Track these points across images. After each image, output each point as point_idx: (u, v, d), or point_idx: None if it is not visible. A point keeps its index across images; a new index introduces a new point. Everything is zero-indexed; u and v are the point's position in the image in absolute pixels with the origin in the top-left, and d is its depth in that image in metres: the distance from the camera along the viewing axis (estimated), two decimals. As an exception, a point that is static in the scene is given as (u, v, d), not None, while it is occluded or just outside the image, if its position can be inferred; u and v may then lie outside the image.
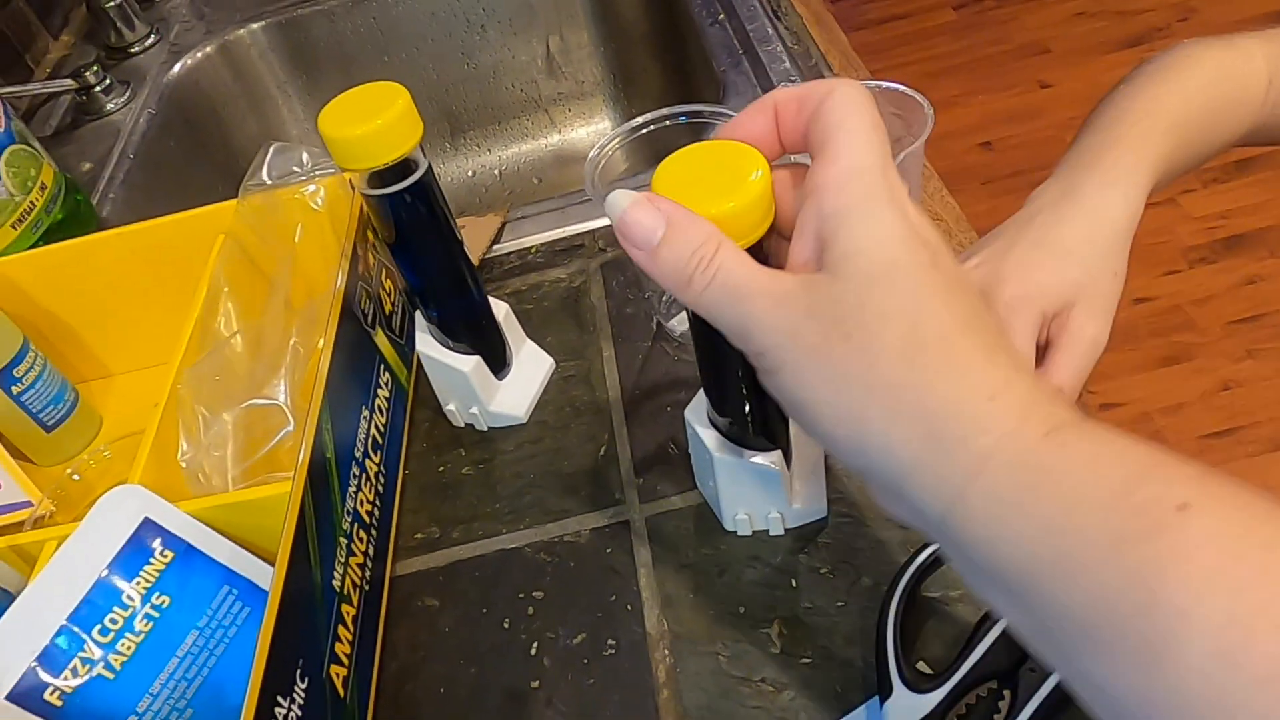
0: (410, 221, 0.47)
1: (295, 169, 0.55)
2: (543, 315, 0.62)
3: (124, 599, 0.40)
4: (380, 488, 0.51)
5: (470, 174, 1.12)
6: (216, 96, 1.00)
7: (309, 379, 0.48)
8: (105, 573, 0.40)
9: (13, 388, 0.57)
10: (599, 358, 0.58)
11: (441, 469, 0.55)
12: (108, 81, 0.92)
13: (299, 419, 0.47)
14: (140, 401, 0.65)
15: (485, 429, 0.56)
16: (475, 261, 0.65)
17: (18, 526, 0.52)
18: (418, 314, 0.53)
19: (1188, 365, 1.53)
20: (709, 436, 0.44)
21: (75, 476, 0.55)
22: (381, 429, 0.52)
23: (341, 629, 0.43)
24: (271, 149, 0.55)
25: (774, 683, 0.42)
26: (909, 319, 0.26)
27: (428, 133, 0.44)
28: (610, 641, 0.45)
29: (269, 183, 0.55)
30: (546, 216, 0.69)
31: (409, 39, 1.03)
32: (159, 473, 0.45)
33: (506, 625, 0.47)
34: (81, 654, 0.39)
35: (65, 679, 0.39)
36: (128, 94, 0.93)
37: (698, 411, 0.45)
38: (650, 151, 0.54)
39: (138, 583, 0.41)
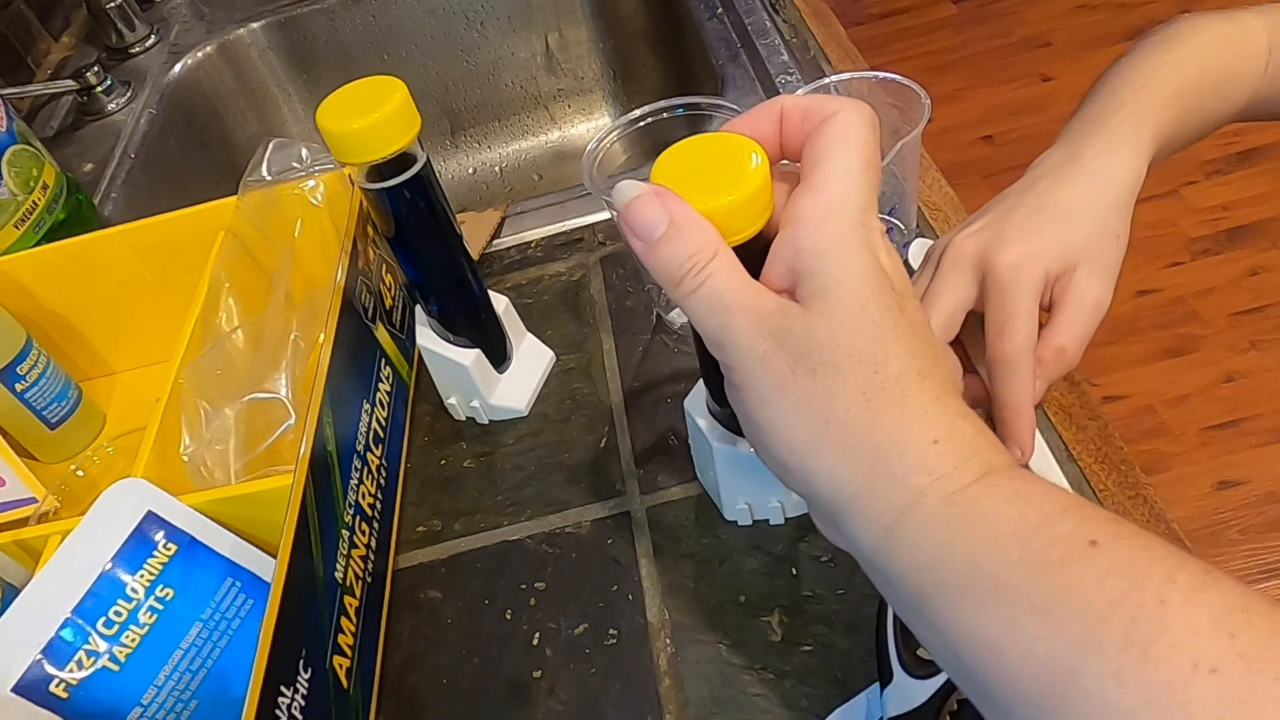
0: (409, 215, 0.47)
1: (295, 165, 0.55)
2: (543, 309, 0.62)
3: (128, 592, 0.41)
4: (382, 481, 0.51)
5: (470, 171, 1.12)
6: (217, 96, 1.00)
7: (310, 373, 0.48)
8: (109, 566, 0.41)
9: (16, 385, 0.57)
10: (599, 350, 0.59)
11: (443, 462, 0.55)
12: (109, 82, 0.92)
13: (300, 413, 0.48)
14: (143, 398, 0.65)
15: (486, 422, 0.56)
16: (475, 256, 0.65)
17: (22, 523, 0.53)
18: (418, 308, 0.53)
19: (1191, 357, 1.52)
20: (709, 427, 0.44)
21: (79, 473, 0.55)
22: (383, 422, 0.52)
23: (344, 620, 0.43)
24: (271, 145, 0.55)
25: (775, 670, 0.42)
26: (873, 362, 0.28)
27: (428, 130, 0.45)
28: (612, 631, 0.45)
29: (269, 179, 0.55)
30: (546, 211, 0.69)
31: (408, 37, 1.03)
32: (162, 467, 0.46)
33: (509, 616, 0.47)
34: (86, 646, 0.39)
35: (70, 671, 0.39)
36: (128, 94, 0.93)
37: (697, 402, 0.45)
38: (648, 144, 0.54)
39: (141, 576, 0.41)
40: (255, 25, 1.01)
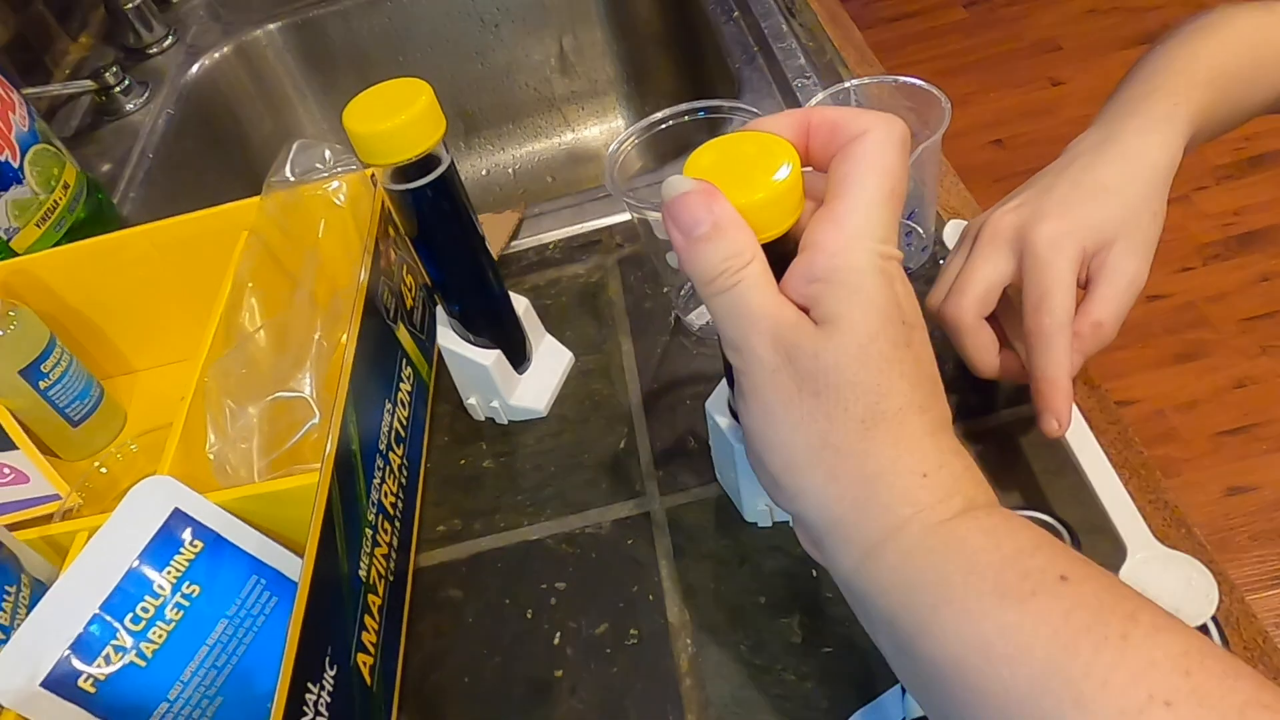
0: (433, 216, 0.47)
1: (318, 165, 0.55)
2: (561, 310, 0.63)
3: (155, 588, 0.41)
4: (403, 480, 0.51)
5: (484, 172, 1.12)
6: (234, 97, 1.01)
7: (333, 373, 0.48)
8: (136, 562, 0.41)
9: (40, 383, 0.57)
10: (618, 352, 0.59)
11: (463, 462, 0.55)
12: (127, 82, 0.93)
13: (324, 412, 0.48)
14: (163, 397, 0.65)
15: (506, 422, 0.57)
16: (494, 257, 0.66)
17: (46, 519, 0.53)
18: (439, 308, 0.53)
19: (1202, 362, 1.52)
20: (730, 427, 0.44)
21: (102, 470, 0.56)
22: (404, 422, 0.53)
23: (368, 619, 0.43)
24: (295, 146, 0.55)
25: (796, 671, 0.42)
26: (875, 393, 0.28)
27: (443, 132, 0.45)
28: (633, 631, 0.46)
29: (292, 179, 0.55)
30: (564, 213, 0.70)
31: (424, 38, 1.04)
32: (187, 464, 0.46)
33: (529, 616, 0.47)
34: (114, 642, 0.40)
35: (98, 666, 0.39)
36: (146, 95, 0.94)
37: (719, 402, 0.45)
38: (669, 147, 0.55)
39: (168, 572, 0.41)
40: (272, 27, 1.02)
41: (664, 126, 0.53)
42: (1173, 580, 0.39)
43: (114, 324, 0.65)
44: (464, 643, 0.47)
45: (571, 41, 1.06)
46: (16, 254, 0.66)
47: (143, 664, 0.40)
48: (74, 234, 0.71)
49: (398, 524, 0.49)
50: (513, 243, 0.68)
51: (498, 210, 0.70)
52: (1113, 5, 2.20)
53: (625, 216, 0.67)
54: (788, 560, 0.46)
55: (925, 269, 0.58)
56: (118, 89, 0.92)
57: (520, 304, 0.55)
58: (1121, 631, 0.25)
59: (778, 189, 0.30)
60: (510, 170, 1.12)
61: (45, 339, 0.58)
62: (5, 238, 0.67)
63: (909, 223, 0.57)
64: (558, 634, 0.46)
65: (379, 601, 0.45)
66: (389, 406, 0.51)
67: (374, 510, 0.46)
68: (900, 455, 0.29)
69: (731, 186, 0.30)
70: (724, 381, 0.44)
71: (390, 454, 0.50)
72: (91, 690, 0.39)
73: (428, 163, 0.45)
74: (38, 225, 0.68)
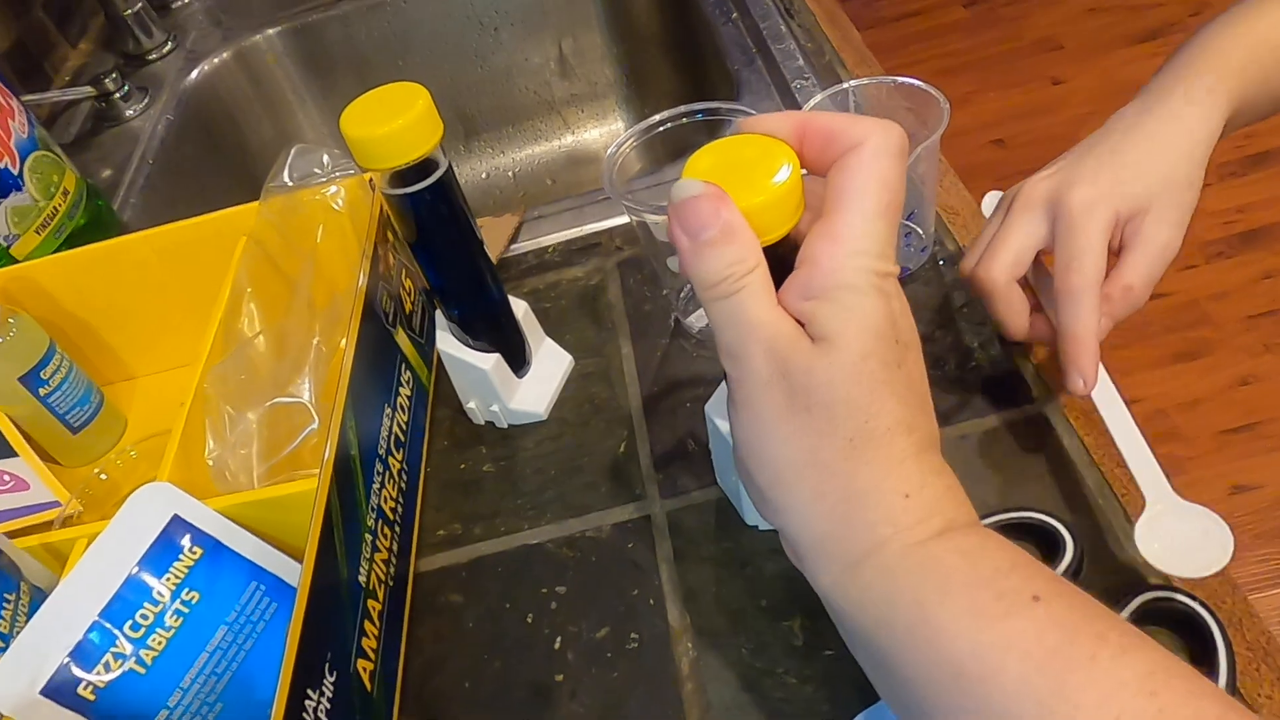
0: (431, 220, 0.47)
1: (316, 170, 0.56)
2: (561, 313, 0.62)
3: (154, 595, 0.41)
4: (403, 485, 0.51)
5: (484, 175, 1.12)
6: (233, 102, 1.01)
7: (332, 378, 0.48)
8: (136, 569, 0.41)
9: (40, 390, 0.57)
10: (618, 355, 0.59)
11: (463, 466, 0.55)
12: (126, 88, 0.93)
13: (323, 417, 0.48)
14: (164, 403, 0.65)
15: (505, 426, 0.57)
16: (493, 260, 0.66)
17: (46, 526, 0.53)
18: (438, 313, 0.53)
19: (1205, 360, 1.52)
20: (730, 431, 0.44)
21: (102, 476, 0.56)
22: (403, 427, 0.53)
23: (368, 624, 0.43)
24: (293, 151, 0.55)
25: (798, 675, 0.42)
26: (865, 412, 0.29)
27: (443, 135, 0.45)
28: (633, 635, 0.45)
29: (290, 184, 0.55)
30: (563, 216, 0.69)
31: (423, 43, 1.04)
32: (186, 470, 0.46)
33: (530, 620, 0.47)
34: (114, 649, 0.40)
35: (98, 674, 0.39)
36: (146, 100, 0.94)
37: (718, 406, 0.45)
38: (667, 149, 0.55)
39: (168, 579, 0.41)
40: (271, 32, 1.02)
41: (662, 129, 0.53)
42: (1189, 530, 0.39)
43: (113, 330, 0.65)
44: (464, 647, 0.47)
45: (571, 44, 1.06)
46: (16, 260, 0.66)
47: (142, 671, 0.40)
48: (74, 240, 0.71)
49: (397, 529, 0.49)
50: (512, 246, 0.68)
51: (497, 213, 0.70)
52: (1113, 4, 2.19)
53: (624, 219, 0.67)
54: (788, 563, 0.45)
55: (925, 270, 0.58)
56: (117, 95, 0.92)
57: (520, 307, 0.55)
58: (1090, 652, 0.25)
59: (778, 192, 0.30)
60: (510, 173, 1.12)
61: (45, 345, 0.58)
62: (5, 244, 0.67)
63: (908, 223, 0.57)
64: (558, 638, 0.46)
65: (379, 606, 0.45)
66: (388, 411, 0.51)
67: (373, 515, 0.46)
68: (885, 476, 0.29)
69: (731, 189, 0.30)
70: (723, 385, 0.44)
71: (390, 459, 0.50)
72: (91, 698, 0.39)
73: (425, 167, 0.45)
74: (37, 232, 0.68)
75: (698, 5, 0.89)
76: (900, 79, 0.55)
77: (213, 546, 0.43)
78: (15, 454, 0.54)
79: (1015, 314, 0.46)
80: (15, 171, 0.67)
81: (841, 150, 0.30)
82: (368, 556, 0.45)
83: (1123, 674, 0.25)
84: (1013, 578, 0.27)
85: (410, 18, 1.02)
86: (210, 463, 0.47)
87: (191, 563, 0.42)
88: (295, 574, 0.44)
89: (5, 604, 0.42)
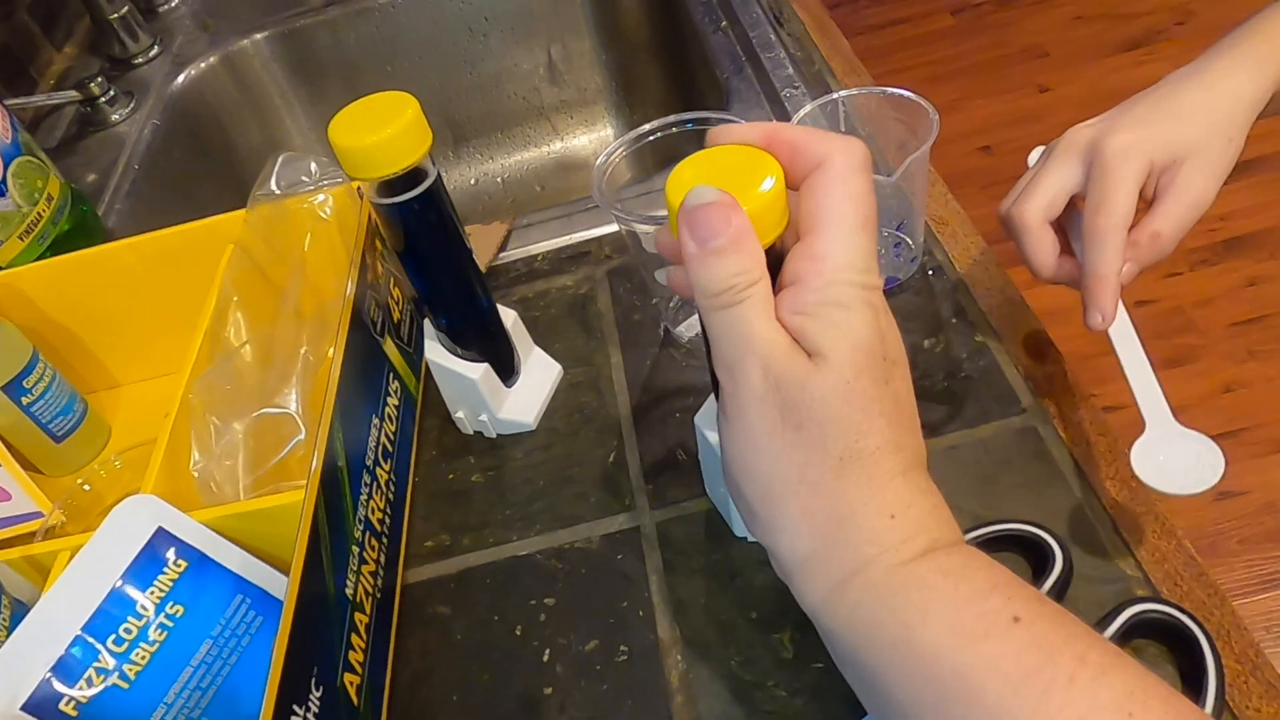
0: (420, 229, 0.47)
1: (304, 178, 0.55)
2: (550, 322, 0.62)
3: (138, 609, 0.40)
4: (391, 495, 0.51)
5: (473, 182, 1.12)
6: (220, 107, 1.00)
7: (319, 388, 0.48)
8: (119, 582, 0.41)
9: (22, 399, 0.57)
10: (607, 364, 0.59)
11: (451, 476, 0.55)
12: (112, 93, 0.92)
13: (310, 427, 0.47)
14: (148, 412, 0.65)
15: (494, 436, 0.56)
16: (482, 269, 0.65)
17: (28, 537, 0.52)
18: (426, 322, 0.53)
19: (1190, 368, 1.53)
20: (719, 442, 0.44)
21: (85, 487, 0.55)
22: (391, 437, 0.52)
23: (355, 637, 0.43)
24: (280, 159, 0.55)
25: (788, 688, 0.42)
26: (855, 431, 0.29)
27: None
28: (623, 648, 0.45)
29: (277, 192, 0.55)
30: (552, 224, 0.69)
31: (412, 48, 1.03)
32: (171, 482, 0.46)
33: (518, 632, 0.47)
34: (96, 664, 0.39)
35: (80, 689, 0.39)
36: (132, 105, 0.93)
37: (708, 417, 0.45)
38: (657, 158, 0.55)
39: (151, 592, 0.41)
40: (259, 36, 1.01)
41: (652, 138, 0.53)
42: (1183, 454, 0.42)
43: (98, 338, 0.64)
44: (452, 660, 0.47)
45: (560, 51, 1.06)
46: (-1, 267, 0.65)
47: (126, 686, 0.39)
48: (58, 247, 0.71)
49: (385, 540, 0.49)
50: (501, 254, 0.68)
51: (486, 220, 0.70)
52: (1100, 12, 2.21)
53: (614, 228, 0.67)
54: (778, 576, 0.46)
55: (915, 280, 0.58)
56: (103, 99, 0.92)
57: (508, 316, 0.55)
58: (1069, 674, 0.26)
59: (764, 200, 0.30)
60: (499, 179, 1.12)
61: (28, 354, 0.57)
62: (-12, 251, 0.66)
63: (898, 234, 0.57)
64: (547, 650, 0.46)
65: (366, 619, 0.44)
66: (376, 421, 0.50)
67: (361, 527, 0.46)
68: (871, 496, 0.29)
69: None
70: (713, 396, 0.44)
71: (377, 469, 0.49)
72: (73, 713, 0.39)
73: (414, 176, 0.45)
74: (20, 238, 0.68)
75: (687, 13, 0.89)
76: (890, 90, 0.55)
77: (198, 559, 0.42)
78: (-3, 464, 0.54)
79: (1045, 254, 0.46)
80: (-2, 177, 0.66)
81: (807, 164, 0.30)
82: (355, 568, 0.44)
83: (1101, 696, 0.25)
84: (994, 598, 0.28)
85: (399, 23, 1.02)
86: (195, 474, 0.46)
87: (176, 576, 0.42)
88: (281, 587, 0.44)
89: (-14, 618, 0.42)
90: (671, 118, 0.53)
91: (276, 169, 0.55)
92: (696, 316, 0.38)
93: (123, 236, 0.60)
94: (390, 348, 0.55)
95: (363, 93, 0.44)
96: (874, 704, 0.30)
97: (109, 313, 0.62)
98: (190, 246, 0.58)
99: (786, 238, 0.31)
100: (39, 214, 0.69)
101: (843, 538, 0.29)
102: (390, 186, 0.45)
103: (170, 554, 0.42)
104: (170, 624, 0.41)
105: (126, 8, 0.99)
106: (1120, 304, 0.44)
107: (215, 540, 0.43)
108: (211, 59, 0.99)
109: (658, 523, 0.50)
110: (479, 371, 0.53)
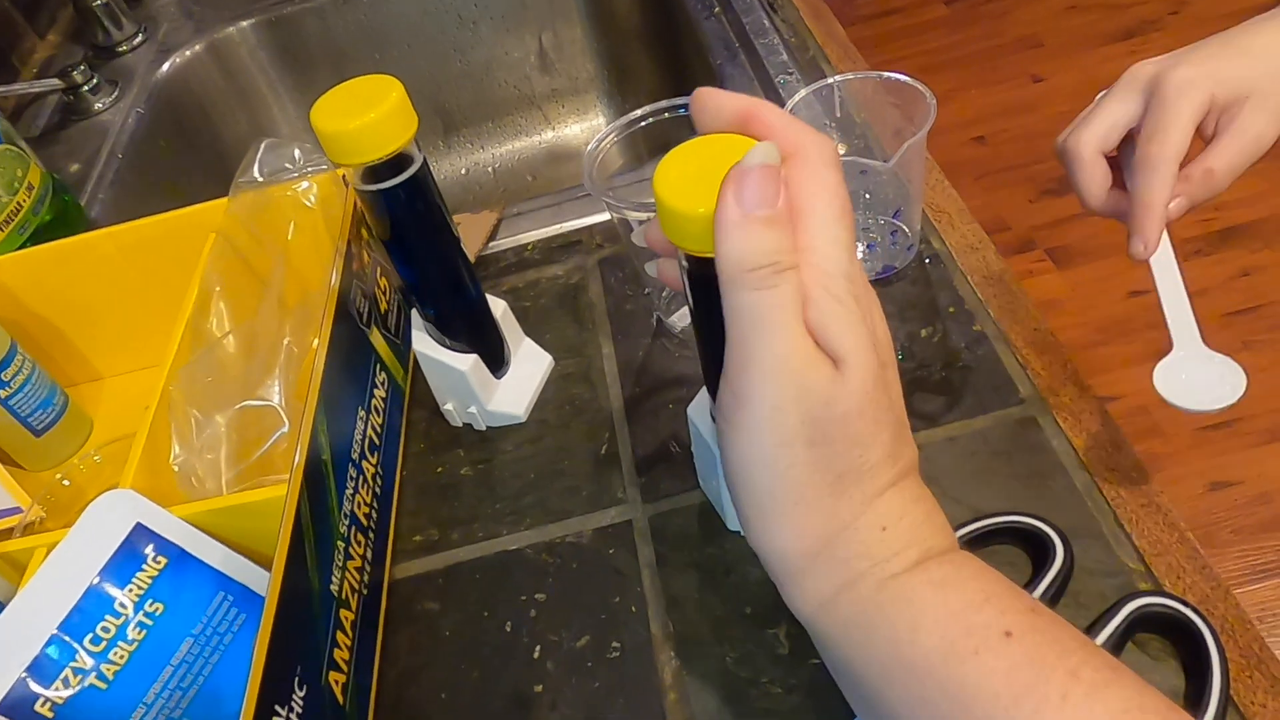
0: (406, 217, 0.46)
1: (287, 165, 0.54)
2: (541, 312, 0.61)
3: (116, 607, 0.39)
4: (378, 489, 0.50)
5: (464, 171, 1.11)
6: (206, 96, 0.99)
7: (303, 379, 0.47)
8: (97, 580, 0.39)
9: (0, 392, 0.56)
10: (599, 355, 0.58)
11: (440, 469, 0.54)
12: (95, 81, 0.91)
13: (294, 420, 0.46)
14: (131, 404, 0.64)
15: (484, 428, 0.55)
16: (471, 258, 0.64)
17: (7, 533, 0.51)
18: (414, 312, 0.52)
19: (1185, 358, 1.52)
20: (712, 433, 0.43)
21: (65, 481, 0.54)
22: (378, 429, 0.51)
23: (340, 634, 0.42)
24: (263, 146, 0.54)
25: (783, 684, 0.41)
26: (861, 445, 0.28)
27: (420, 130, 0.44)
28: (615, 644, 0.44)
29: (260, 180, 0.53)
30: (543, 213, 0.68)
31: (401, 36, 1.02)
32: (151, 477, 0.44)
33: (509, 628, 0.46)
34: (73, 664, 0.38)
35: (56, 689, 0.38)
36: (116, 93, 0.92)
37: (700, 408, 0.44)
38: (649, 145, 0.53)
39: (130, 590, 0.40)
40: (245, 24, 1.00)
41: (644, 124, 0.52)
42: (1206, 374, 0.42)
43: (79, 329, 0.63)
44: (441, 657, 0.46)
45: (551, 39, 1.05)
46: (-23, 258, 0.64)
47: (104, 686, 0.38)
48: (39, 237, 0.69)
49: (371, 535, 0.48)
50: (490, 244, 0.67)
51: (476, 210, 0.69)
52: (1093, 2, 2.20)
53: (605, 216, 0.66)
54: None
55: (911, 268, 0.57)
56: (86, 88, 0.90)
57: (498, 306, 0.54)
58: (1062, 691, 0.25)
59: None
60: (490, 169, 1.11)
61: (6, 345, 0.56)
62: (-35, 241, 0.65)
63: (894, 221, 0.56)
64: (538, 647, 0.45)
65: (351, 616, 0.43)
66: (362, 413, 0.49)
67: (346, 522, 0.45)
68: (865, 510, 0.29)
69: (705, 192, 0.28)
70: (705, 388, 0.43)
71: (364, 463, 0.48)
72: (49, 715, 0.37)
73: (399, 162, 0.44)
74: (0, 228, 0.66)
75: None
76: (886, 74, 0.54)
77: (178, 555, 0.41)
78: (-26, 458, 0.53)
79: (1096, 184, 0.46)
80: (-24, 166, 0.65)
81: (781, 152, 0.29)
82: (340, 564, 0.43)
83: (1095, 713, 0.25)
84: (985, 611, 0.27)
85: (388, 11, 1.00)
86: (176, 468, 0.45)
87: (155, 573, 0.41)
88: (264, 583, 0.43)
89: (-40, 617, 0.41)
90: (664, 103, 0.51)
91: (259, 156, 0.54)
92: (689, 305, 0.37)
93: (106, 226, 0.59)
94: (377, 338, 0.54)
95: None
96: (867, 714, 0.30)
97: (90, 304, 0.61)
98: (171, 236, 0.57)
99: None
100: (19, 204, 0.68)
101: (834, 553, 0.29)
102: (375, 172, 0.44)
103: (149, 550, 0.41)
104: (149, 622, 0.40)
105: (110, -6, 0.97)
106: (1166, 235, 0.44)
107: (196, 536, 0.42)
108: (197, 47, 0.98)
109: (650, 516, 0.49)
110: (468, 363, 0.52)
